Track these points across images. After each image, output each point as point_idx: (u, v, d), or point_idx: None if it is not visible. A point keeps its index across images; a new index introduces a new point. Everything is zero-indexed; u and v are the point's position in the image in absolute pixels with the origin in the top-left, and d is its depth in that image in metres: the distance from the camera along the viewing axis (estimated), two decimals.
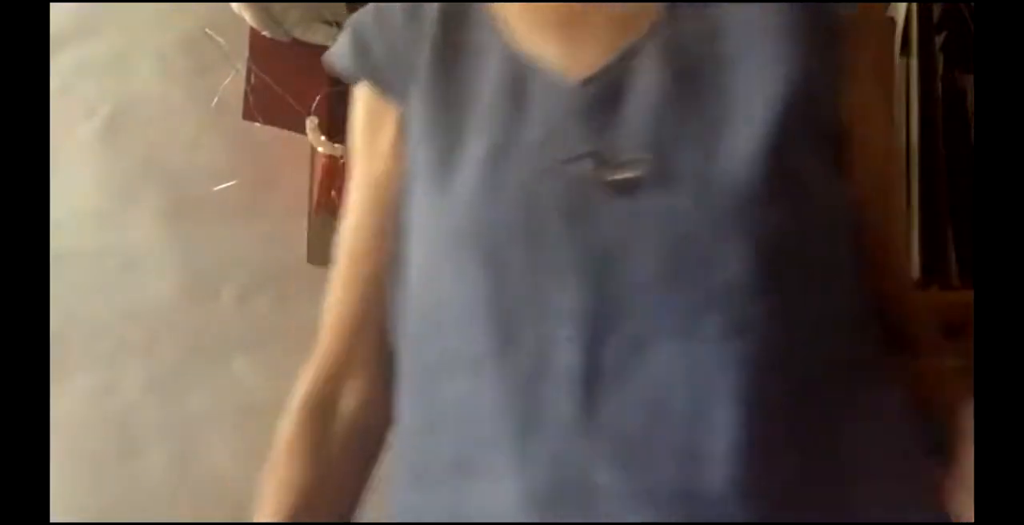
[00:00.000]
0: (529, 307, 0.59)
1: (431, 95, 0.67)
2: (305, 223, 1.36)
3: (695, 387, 0.56)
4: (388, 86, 0.70)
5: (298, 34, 1.29)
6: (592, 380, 0.57)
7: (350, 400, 0.70)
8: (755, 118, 0.60)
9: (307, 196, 1.36)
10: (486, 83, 0.66)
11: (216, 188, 1.28)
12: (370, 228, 0.70)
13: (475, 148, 0.63)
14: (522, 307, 0.59)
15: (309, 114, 1.25)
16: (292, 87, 1.24)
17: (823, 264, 0.61)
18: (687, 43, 0.63)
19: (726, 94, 0.62)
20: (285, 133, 1.27)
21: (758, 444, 0.55)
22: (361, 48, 0.71)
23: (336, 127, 1.26)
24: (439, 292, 0.63)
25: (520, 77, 0.65)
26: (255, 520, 0.68)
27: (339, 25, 1.31)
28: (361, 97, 0.73)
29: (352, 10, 1.35)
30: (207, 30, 1.28)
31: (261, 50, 1.26)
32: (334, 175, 1.27)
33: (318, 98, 1.27)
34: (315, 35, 1.30)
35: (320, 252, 1.35)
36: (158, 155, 1.27)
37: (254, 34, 1.27)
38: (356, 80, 0.72)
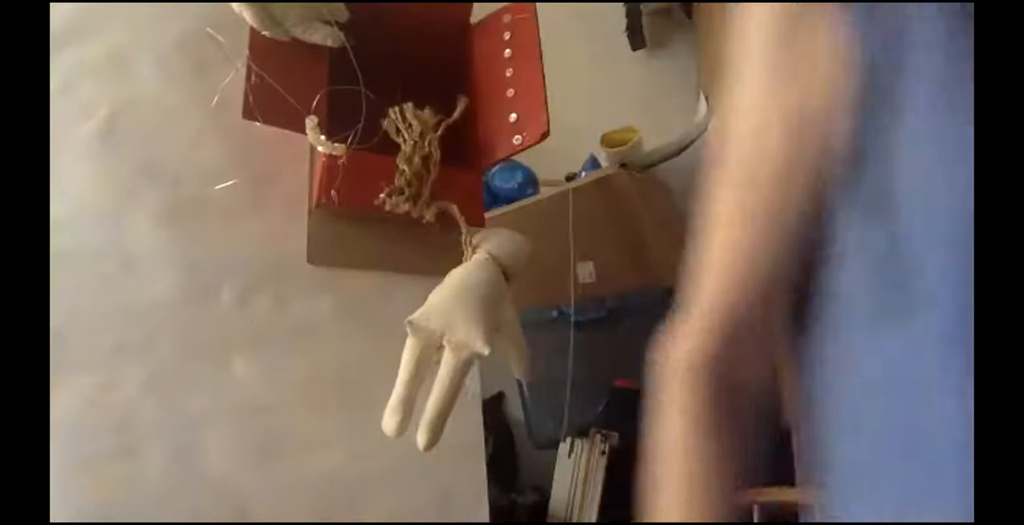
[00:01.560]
0: None
1: None
2: (305, 223, 1.36)
3: None
4: None
5: (298, 34, 1.29)
6: None
7: (753, 371, 0.62)
8: None
9: (307, 196, 1.37)
10: None
11: (216, 187, 1.28)
12: (798, 170, 0.60)
13: None
14: None
15: (309, 114, 1.25)
16: (292, 87, 1.24)
17: None
18: None
19: None
20: (285, 132, 1.26)
21: None
22: None
23: (335, 127, 1.27)
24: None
25: None
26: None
27: (339, 25, 1.31)
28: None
29: (352, 10, 1.35)
30: (207, 30, 1.28)
31: (261, 50, 1.26)
32: (334, 174, 1.27)
33: (318, 98, 1.27)
34: (315, 35, 1.30)
35: (320, 252, 1.35)
36: (158, 155, 1.27)
37: (254, 34, 1.27)
38: None
